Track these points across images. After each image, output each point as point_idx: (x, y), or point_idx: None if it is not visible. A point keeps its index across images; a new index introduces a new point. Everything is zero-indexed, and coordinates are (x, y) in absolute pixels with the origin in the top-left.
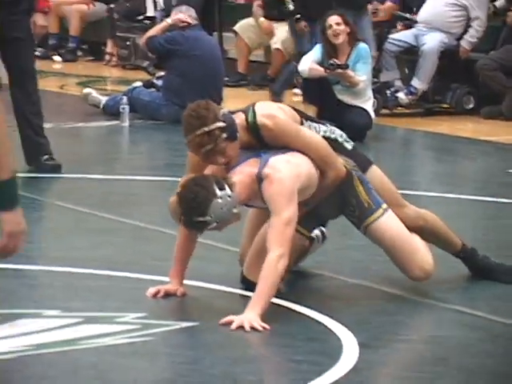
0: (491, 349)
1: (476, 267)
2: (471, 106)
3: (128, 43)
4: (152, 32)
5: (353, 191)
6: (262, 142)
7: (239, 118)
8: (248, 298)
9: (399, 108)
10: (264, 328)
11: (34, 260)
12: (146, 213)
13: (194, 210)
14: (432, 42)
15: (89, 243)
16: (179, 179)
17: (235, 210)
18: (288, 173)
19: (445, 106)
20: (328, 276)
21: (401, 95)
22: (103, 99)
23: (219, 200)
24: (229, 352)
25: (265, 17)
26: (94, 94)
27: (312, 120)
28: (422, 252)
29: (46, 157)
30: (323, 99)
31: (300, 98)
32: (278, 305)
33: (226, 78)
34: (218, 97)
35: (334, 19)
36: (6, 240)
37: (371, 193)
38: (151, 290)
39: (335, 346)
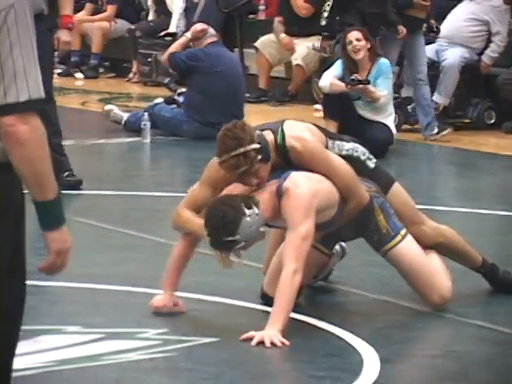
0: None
1: (497, 282)
2: (492, 120)
3: (149, 60)
4: (173, 48)
5: (372, 219)
6: (289, 163)
7: (268, 138)
8: (268, 313)
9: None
10: (283, 343)
11: (56, 276)
12: (168, 229)
13: (222, 229)
14: (453, 57)
15: (110, 259)
16: None
17: (262, 229)
18: (307, 188)
19: (466, 121)
20: (349, 291)
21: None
22: (125, 116)
23: (248, 219)
24: (249, 368)
25: (286, 33)
26: (116, 110)
27: (335, 138)
28: (440, 277)
29: (66, 173)
30: (344, 115)
31: (321, 114)
32: (299, 320)
33: (247, 94)
34: (239, 113)
35: (354, 35)
36: (53, 257)
37: (391, 219)
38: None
39: (356, 361)
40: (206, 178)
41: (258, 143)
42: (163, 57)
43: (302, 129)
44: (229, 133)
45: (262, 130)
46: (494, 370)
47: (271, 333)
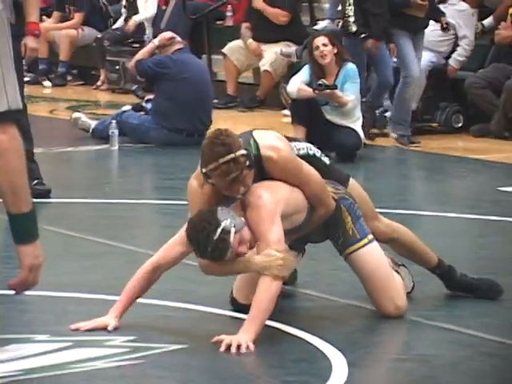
0: (480, 367)
1: (454, 285)
2: (460, 124)
3: (117, 67)
4: (140, 55)
5: (340, 221)
6: (262, 173)
7: None
8: (237, 319)
9: (388, 128)
10: (248, 348)
11: None
12: (137, 236)
13: (207, 225)
14: (421, 61)
15: (79, 267)
16: (169, 202)
17: (242, 218)
18: (268, 197)
19: (434, 124)
20: (317, 296)
21: (390, 114)
22: (92, 123)
23: (223, 210)
24: (218, 373)
25: (253, 38)
26: (84, 118)
27: (292, 141)
28: (396, 288)
29: (36, 181)
30: (312, 120)
31: (289, 119)
32: (268, 325)
33: (216, 101)
34: (207, 119)
35: (320, 40)
36: (25, 273)
37: (358, 221)
38: (78, 325)
39: (324, 366)
40: (193, 203)
41: (245, 149)
42: (130, 64)
43: (273, 138)
44: (216, 140)
45: None
46: (461, 373)
47: (241, 337)
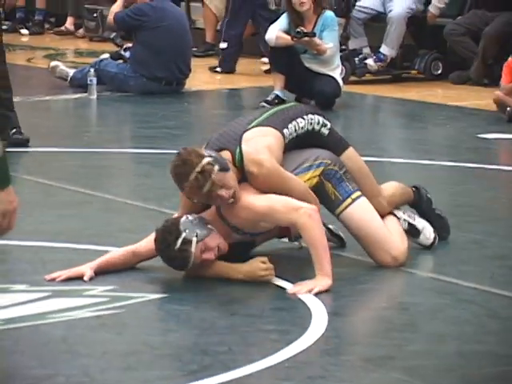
0: (459, 314)
1: (419, 209)
2: (439, 71)
3: (95, 15)
4: (116, 7)
5: (323, 192)
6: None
7: (226, 156)
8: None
9: (368, 75)
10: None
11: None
12: (115, 185)
13: (168, 235)
14: (399, 8)
15: (57, 217)
16: (147, 151)
17: (209, 226)
18: (247, 196)
19: (413, 72)
20: (297, 245)
21: (370, 62)
22: (70, 72)
23: (188, 218)
24: (197, 323)
25: None
26: (62, 66)
27: (291, 120)
28: (393, 239)
29: (14, 130)
30: (291, 68)
31: (268, 67)
32: None
33: (194, 49)
34: (186, 68)
35: None
36: None
37: (339, 185)
38: (53, 275)
39: (304, 315)
40: (182, 202)
41: (209, 156)
42: (108, 18)
43: (259, 146)
44: (177, 162)
45: (220, 150)
46: (441, 321)
47: (322, 282)
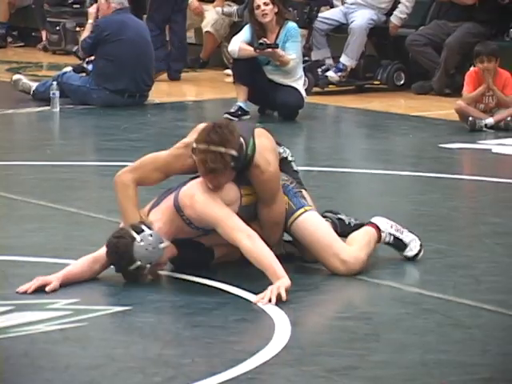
0: (422, 323)
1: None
2: (402, 82)
3: (58, 28)
4: (84, 35)
5: None
6: (243, 172)
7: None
8: (181, 280)
9: (331, 86)
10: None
11: None
12: (78, 198)
13: (121, 260)
14: (360, 19)
15: (20, 230)
16: (110, 163)
17: (162, 245)
18: (202, 193)
19: (376, 82)
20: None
21: (330, 73)
22: (33, 85)
23: (141, 243)
24: (161, 335)
25: None
26: (24, 80)
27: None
28: (340, 244)
29: None
30: (254, 79)
31: (231, 79)
32: (210, 286)
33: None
34: (149, 80)
35: None
36: None
37: (295, 197)
38: (23, 287)
39: (267, 325)
40: (163, 163)
41: (239, 152)
42: (80, 48)
43: (271, 150)
44: (218, 129)
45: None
46: (404, 330)
47: (281, 284)
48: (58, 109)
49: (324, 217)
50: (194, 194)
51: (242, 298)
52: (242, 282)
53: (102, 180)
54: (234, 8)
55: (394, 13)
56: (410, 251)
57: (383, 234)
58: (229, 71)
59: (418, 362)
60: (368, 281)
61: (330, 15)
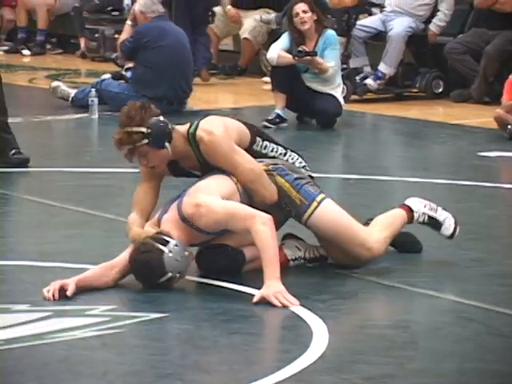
0: (460, 332)
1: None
2: (440, 90)
3: (97, 35)
4: (122, 37)
5: (281, 192)
6: (201, 156)
7: (183, 128)
8: (215, 286)
9: (369, 94)
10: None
11: (4, 255)
12: (116, 205)
13: (152, 275)
14: (399, 27)
15: (59, 237)
16: None
17: (186, 253)
18: (203, 199)
19: (414, 90)
20: (298, 264)
21: (369, 81)
22: (72, 92)
23: (170, 254)
24: (199, 342)
25: (232, 5)
26: (63, 86)
27: (270, 140)
28: (362, 232)
29: (13, 151)
30: (292, 87)
31: (269, 86)
32: (248, 293)
33: (196, 68)
34: (187, 87)
35: (300, 6)
36: None
37: (301, 188)
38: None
39: (305, 333)
40: (142, 173)
41: (148, 127)
42: (118, 49)
43: (216, 123)
44: (125, 110)
45: (185, 123)
46: (441, 339)
47: (277, 289)
48: (96, 115)
49: None
50: (196, 203)
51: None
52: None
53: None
54: (273, 15)
55: (433, 20)
56: (446, 230)
57: (416, 214)
58: (267, 78)
59: (455, 371)
60: (406, 289)
61: (368, 23)
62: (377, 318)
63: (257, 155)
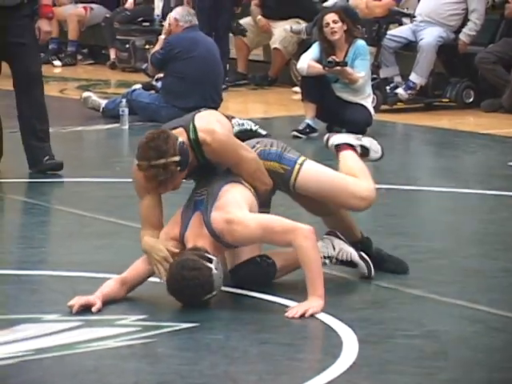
0: (490, 342)
1: (369, 256)
2: (471, 99)
3: (127, 46)
4: (154, 49)
5: (270, 172)
6: (203, 157)
7: (182, 136)
8: (244, 296)
9: (399, 104)
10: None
11: (35, 265)
12: None
13: (202, 293)
14: (430, 37)
15: (89, 247)
16: None
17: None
18: (233, 215)
19: (445, 100)
20: (327, 273)
21: (400, 91)
22: (103, 102)
23: (216, 271)
24: (229, 352)
25: (263, 15)
26: (94, 97)
27: (232, 117)
28: (351, 183)
29: (46, 157)
30: (322, 97)
31: (299, 96)
32: (277, 303)
33: (226, 78)
34: (217, 97)
35: (330, 17)
36: None
37: (282, 157)
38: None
39: (335, 343)
40: (137, 188)
41: (180, 154)
42: (149, 61)
43: (211, 120)
44: (151, 143)
45: (175, 128)
46: (471, 349)
47: (315, 304)
48: (127, 126)
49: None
50: (227, 219)
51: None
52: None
53: (170, 197)
54: (303, 26)
55: (463, 30)
56: (375, 154)
57: (356, 150)
58: (297, 88)
59: (485, 381)
60: (435, 299)
61: (398, 33)
62: (406, 327)
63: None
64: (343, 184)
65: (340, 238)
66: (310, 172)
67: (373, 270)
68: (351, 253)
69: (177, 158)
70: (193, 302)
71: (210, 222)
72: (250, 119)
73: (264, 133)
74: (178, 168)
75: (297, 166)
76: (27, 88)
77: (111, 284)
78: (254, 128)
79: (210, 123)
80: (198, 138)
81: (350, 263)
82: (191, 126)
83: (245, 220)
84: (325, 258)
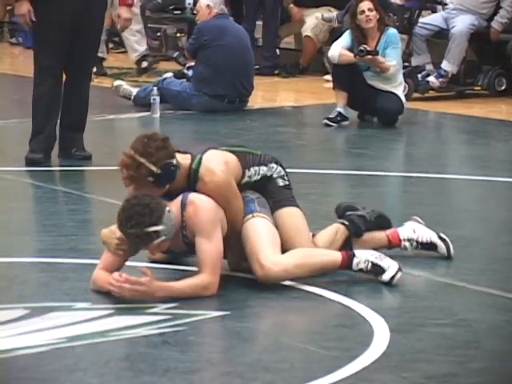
0: None
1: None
2: (503, 87)
3: (159, 34)
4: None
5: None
6: (194, 187)
7: (185, 162)
8: (274, 285)
9: (431, 92)
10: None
11: (66, 253)
12: None
13: (148, 216)
14: (462, 24)
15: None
16: None
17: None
18: (210, 201)
19: (476, 88)
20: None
21: (431, 79)
22: (134, 91)
23: (169, 213)
24: (259, 340)
25: (294, 3)
26: (125, 85)
27: (254, 164)
28: (268, 251)
29: (74, 149)
30: (354, 85)
31: (331, 85)
32: (308, 291)
33: (257, 67)
34: (248, 85)
35: (366, 4)
36: None
37: (246, 204)
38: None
39: (366, 331)
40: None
41: (159, 168)
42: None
43: (218, 161)
44: (146, 140)
45: (185, 153)
46: (504, 338)
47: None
48: (158, 114)
49: (344, 217)
50: (202, 199)
51: (340, 303)
52: (340, 288)
53: None
54: (334, 14)
55: (496, 18)
56: (387, 276)
57: (356, 260)
58: (328, 77)
59: None
60: (466, 287)
61: (430, 20)
62: (437, 316)
63: (243, 188)
64: (261, 247)
65: (420, 222)
66: (250, 226)
67: (452, 249)
68: (431, 235)
69: (154, 168)
70: (137, 234)
71: (188, 194)
72: (281, 107)
73: (281, 184)
74: (151, 179)
75: (249, 216)
76: (79, 76)
77: (105, 274)
78: (274, 176)
79: (216, 163)
80: (199, 171)
81: (430, 245)
82: (198, 157)
83: (211, 218)
84: (405, 240)
